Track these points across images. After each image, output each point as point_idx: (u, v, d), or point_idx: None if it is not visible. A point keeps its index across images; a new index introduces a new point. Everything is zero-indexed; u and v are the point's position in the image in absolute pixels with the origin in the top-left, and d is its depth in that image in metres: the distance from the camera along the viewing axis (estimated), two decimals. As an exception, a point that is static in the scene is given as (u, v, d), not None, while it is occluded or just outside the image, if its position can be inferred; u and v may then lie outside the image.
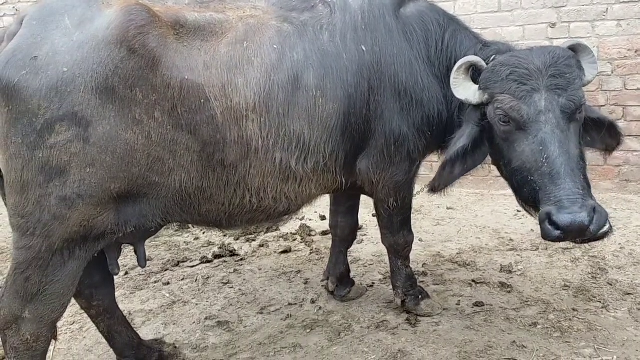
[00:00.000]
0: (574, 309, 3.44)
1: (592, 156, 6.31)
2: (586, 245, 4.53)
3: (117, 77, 2.19)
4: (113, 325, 2.96)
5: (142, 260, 2.82)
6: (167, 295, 4.06)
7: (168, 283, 4.28)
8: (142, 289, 4.20)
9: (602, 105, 6.10)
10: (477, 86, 2.68)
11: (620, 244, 4.57)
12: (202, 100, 2.36)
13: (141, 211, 2.41)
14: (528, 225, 5.29)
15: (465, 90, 2.70)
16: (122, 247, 2.96)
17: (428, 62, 3.05)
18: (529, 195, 2.60)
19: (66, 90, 2.12)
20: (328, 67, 2.68)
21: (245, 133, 2.47)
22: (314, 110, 2.64)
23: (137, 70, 2.22)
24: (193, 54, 2.38)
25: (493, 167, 3.40)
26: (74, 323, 3.67)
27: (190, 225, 3.35)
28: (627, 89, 5.97)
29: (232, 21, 2.57)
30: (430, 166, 6.95)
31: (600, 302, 3.53)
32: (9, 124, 2.12)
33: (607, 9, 5.91)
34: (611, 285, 3.76)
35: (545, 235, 2.40)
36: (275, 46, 2.58)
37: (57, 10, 2.24)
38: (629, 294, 3.61)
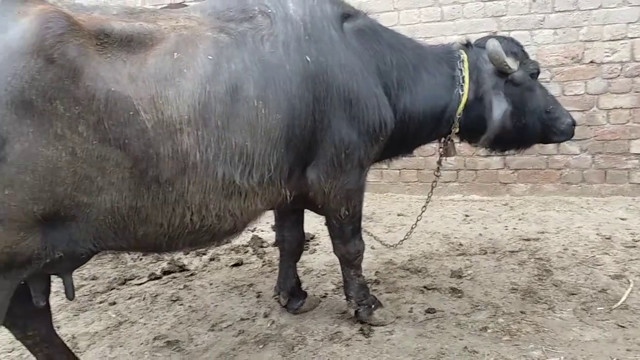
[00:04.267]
0: (522, 312, 3.51)
1: (535, 160, 6.60)
2: (532, 248, 4.69)
3: (34, 90, 2.02)
4: (52, 354, 2.78)
5: (70, 292, 2.60)
6: (114, 315, 3.90)
7: (114, 303, 4.11)
8: (86, 310, 4.02)
9: (542, 111, 6.32)
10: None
11: (563, 245, 4.73)
12: (131, 112, 2.22)
13: (70, 235, 2.25)
14: (476, 229, 5.41)
15: (511, 62, 3.44)
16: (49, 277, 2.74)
17: (378, 74, 3.17)
18: (546, 124, 3.66)
19: None
20: (270, 78, 2.61)
21: (181, 147, 2.34)
22: (256, 121, 2.55)
23: (56, 82, 2.07)
24: (117, 65, 2.25)
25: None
26: (12, 350, 3.46)
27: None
28: (565, 95, 6.21)
29: (163, 32, 2.46)
30: (380, 173, 7.03)
31: (546, 303, 3.62)
32: None
33: (544, 17, 6.15)
34: (556, 286, 3.88)
35: (572, 134, 3.76)
36: (210, 57, 2.47)
37: None
38: (573, 294, 3.73)
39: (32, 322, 2.68)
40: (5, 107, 1.98)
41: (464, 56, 3.52)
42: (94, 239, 2.33)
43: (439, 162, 3.83)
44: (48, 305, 2.76)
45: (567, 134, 3.73)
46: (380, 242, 4.20)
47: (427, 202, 4.06)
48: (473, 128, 3.54)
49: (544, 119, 3.63)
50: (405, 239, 4.20)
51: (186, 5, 2.83)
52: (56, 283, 2.75)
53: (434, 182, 3.95)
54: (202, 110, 2.38)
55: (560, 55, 6.15)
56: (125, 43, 2.32)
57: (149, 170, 2.29)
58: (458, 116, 3.46)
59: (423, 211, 4.14)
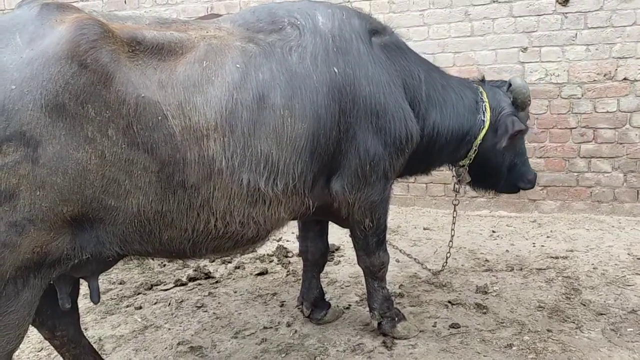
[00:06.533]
0: (548, 330, 3.45)
1: (565, 177, 6.51)
2: (560, 266, 4.60)
3: (67, 94, 2.08)
4: (79, 354, 2.84)
5: (95, 296, 2.65)
6: (139, 319, 3.97)
7: (140, 307, 4.18)
8: (113, 314, 4.10)
9: (573, 128, 6.24)
10: None
11: (593, 264, 4.63)
12: (160, 118, 2.27)
13: (98, 237, 2.30)
14: (503, 245, 5.34)
15: None
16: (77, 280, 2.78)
17: (405, 88, 3.24)
18: (522, 169, 3.91)
19: (13, 108, 2.00)
20: (296, 88, 2.65)
21: (207, 153, 2.38)
22: (282, 130, 2.57)
23: (88, 86, 2.12)
24: (148, 72, 2.31)
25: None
26: (41, 350, 3.55)
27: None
28: (597, 112, 6.12)
29: (193, 40, 2.51)
30: (406, 187, 7.01)
31: (574, 322, 3.55)
32: None
33: (576, 34, 6.08)
34: (585, 305, 3.80)
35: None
36: (238, 65, 2.52)
37: (8, 29, 2.14)
38: (602, 314, 3.64)
39: (60, 322, 2.75)
40: (40, 110, 2.03)
41: (481, 88, 3.74)
42: (120, 241, 2.37)
43: (457, 190, 3.93)
44: (76, 307, 2.83)
45: (534, 183, 4.03)
46: (423, 265, 4.47)
47: (453, 229, 4.22)
48: (483, 159, 3.72)
49: (524, 162, 3.95)
50: (443, 268, 4.32)
51: (219, 16, 2.91)
52: (85, 286, 2.82)
53: (454, 212, 4.11)
54: (228, 117, 2.42)
55: (593, 72, 6.07)
56: (156, 51, 2.37)
57: (176, 175, 2.32)
58: (479, 141, 3.61)
59: (451, 242, 4.30)
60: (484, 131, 3.59)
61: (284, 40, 2.76)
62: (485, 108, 3.62)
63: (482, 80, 3.85)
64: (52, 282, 2.38)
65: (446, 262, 4.31)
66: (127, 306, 4.23)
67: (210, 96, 2.40)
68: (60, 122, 2.08)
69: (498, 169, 3.80)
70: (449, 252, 4.31)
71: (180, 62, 2.41)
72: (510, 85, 3.78)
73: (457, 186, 3.91)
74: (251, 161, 2.50)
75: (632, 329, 3.40)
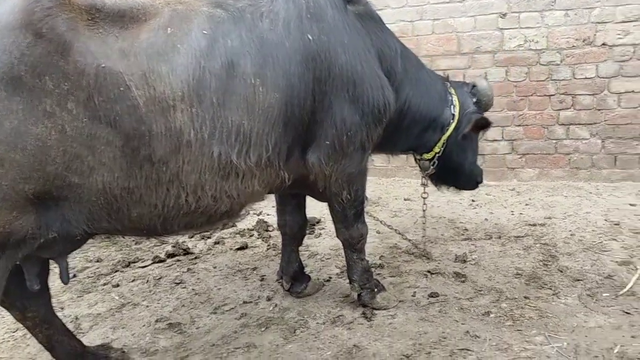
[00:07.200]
0: (525, 297, 3.48)
1: (544, 145, 6.53)
2: (537, 233, 4.63)
3: (23, 65, 1.98)
4: (52, 335, 2.78)
5: (65, 276, 2.57)
6: (117, 297, 3.91)
7: (118, 285, 4.12)
8: (90, 292, 4.03)
9: (552, 95, 6.23)
10: None
11: (570, 230, 4.68)
12: (122, 88, 2.16)
13: (63, 216, 2.22)
14: (482, 214, 5.37)
15: None
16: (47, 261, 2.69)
17: (382, 57, 3.20)
18: (477, 166, 4.02)
19: None
20: (268, 55, 2.54)
21: (174, 125, 2.27)
22: (253, 99, 2.47)
23: (45, 57, 2.02)
24: (108, 40, 2.19)
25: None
26: (16, 330, 3.49)
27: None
28: (575, 78, 6.12)
29: (157, 6, 2.39)
30: (387, 158, 6.97)
31: (551, 289, 3.58)
32: None
33: (555, -1, 6.02)
34: (562, 272, 3.83)
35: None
36: (205, 32, 2.40)
37: None
38: (578, 280, 3.68)
39: (30, 304, 2.67)
40: None
41: (448, 84, 3.77)
42: (87, 220, 2.29)
43: (424, 184, 4.11)
44: (47, 288, 2.74)
45: (480, 183, 4.11)
46: (403, 236, 4.46)
47: (424, 222, 4.48)
48: (448, 155, 3.76)
49: (476, 159, 4.04)
50: (424, 238, 4.46)
51: None
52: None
53: (424, 204, 4.39)
54: (196, 87, 2.31)
55: (571, 38, 6.03)
56: (118, 18, 2.26)
57: (141, 149, 2.24)
58: (448, 135, 3.64)
59: (425, 235, 4.49)
60: (453, 125, 3.61)
61: (254, 6, 2.64)
62: (455, 102, 3.64)
63: (447, 79, 3.86)
64: (18, 262, 2.31)
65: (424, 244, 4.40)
66: (104, 284, 4.17)
67: (175, 64, 2.29)
68: (17, 95, 1.98)
69: (461, 165, 3.87)
70: (424, 235, 4.47)
71: (144, 29, 2.29)
72: (474, 86, 3.80)
73: (424, 180, 4.03)
74: (222, 132, 2.41)
75: (607, 294, 3.44)
